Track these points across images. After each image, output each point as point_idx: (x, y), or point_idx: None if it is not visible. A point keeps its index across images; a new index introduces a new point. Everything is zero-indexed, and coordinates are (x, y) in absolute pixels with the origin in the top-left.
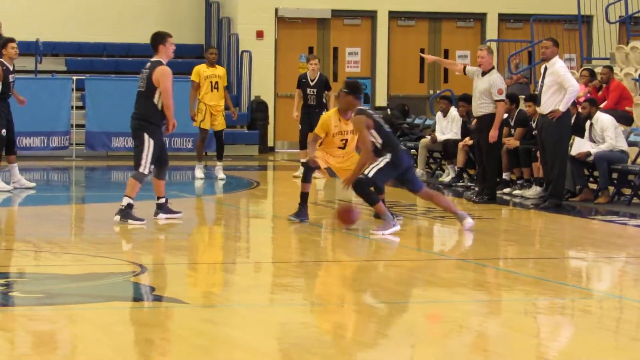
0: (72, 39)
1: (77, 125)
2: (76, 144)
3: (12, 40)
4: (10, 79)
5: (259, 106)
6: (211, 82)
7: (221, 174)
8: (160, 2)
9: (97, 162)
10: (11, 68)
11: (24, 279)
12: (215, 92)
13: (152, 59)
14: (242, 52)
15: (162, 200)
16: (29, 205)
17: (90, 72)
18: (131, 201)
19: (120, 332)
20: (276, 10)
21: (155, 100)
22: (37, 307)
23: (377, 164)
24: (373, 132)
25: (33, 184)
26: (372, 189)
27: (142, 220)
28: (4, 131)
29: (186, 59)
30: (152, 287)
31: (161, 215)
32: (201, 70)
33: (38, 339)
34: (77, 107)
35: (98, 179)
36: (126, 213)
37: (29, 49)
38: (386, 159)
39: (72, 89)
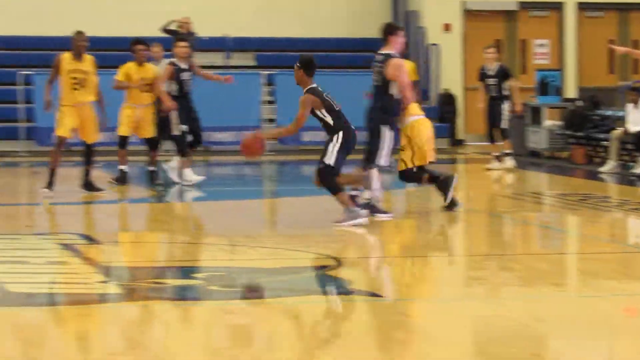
0: (262, 34)
1: (268, 120)
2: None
3: (182, 39)
4: (183, 77)
5: (448, 99)
6: None
7: None
8: None
9: (288, 157)
10: (183, 66)
11: (222, 273)
12: None
13: (382, 52)
14: (430, 45)
15: (356, 193)
16: (222, 199)
17: (280, 67)
18: (377, 194)
19: (318, 325)
20: (463, 2)
21: (392, 92)
22: (234, 301)
23: (333, 149)
24: (323, 111)
25: (201, 178)
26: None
27: (388, 212)
28: (185, 127)
29: (373, 53)
30: (347, 280)
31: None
32: None
33: (235, 333)
34: (268, 102)
35: (289, 173)
36: (372, 206)
37: (218, 44)
38: (338, 140)
39: (263, 84)
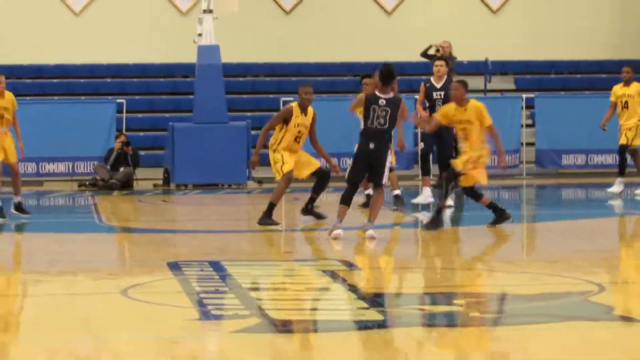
0: (521, 57)
1: (527, 144)
2: (526, 162)
3: (439, 57)
4: (435, 96)
5: None
6: (621, 101)
7: None
8: (611, 18)
9: (547, 180)
10: (437, 85)
11: (482, 299)
12: (625, 110)
13: None
14: None
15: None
16: (477, 224)
17: (539, 89)
18: None
19: (578, 353)
20: None
21: None
22: (494, 327)
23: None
24: (363, 113)
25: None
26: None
27: None
28: (422, 144)
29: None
30: (610, 306)
31: None
32: (615, 90)
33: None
34: (527, 125)
35: (548, 197)
36: None
37: (478, 68)
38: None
39: (522, 107)
